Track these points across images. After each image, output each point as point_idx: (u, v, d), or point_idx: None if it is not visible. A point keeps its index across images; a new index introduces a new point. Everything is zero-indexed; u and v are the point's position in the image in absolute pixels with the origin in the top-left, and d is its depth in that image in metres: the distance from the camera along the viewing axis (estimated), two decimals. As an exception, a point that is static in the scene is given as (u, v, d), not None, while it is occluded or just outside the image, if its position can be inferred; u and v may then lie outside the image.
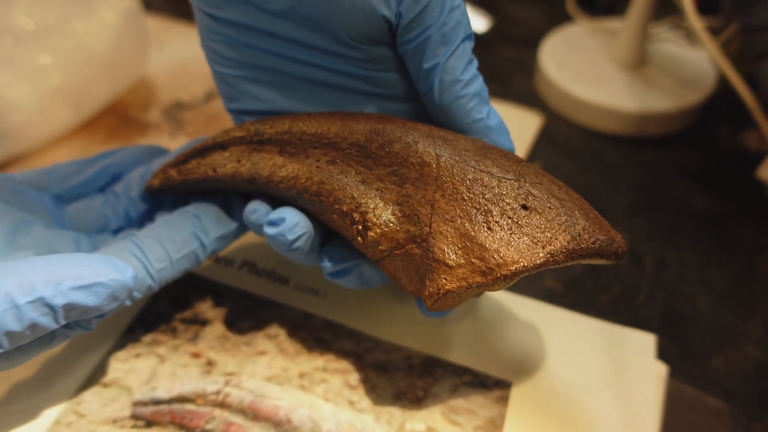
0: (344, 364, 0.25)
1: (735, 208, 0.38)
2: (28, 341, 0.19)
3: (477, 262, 0.19)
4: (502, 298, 0.29)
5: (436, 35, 0.21)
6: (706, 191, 0.39)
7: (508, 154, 0.21)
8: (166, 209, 0.25)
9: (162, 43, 0.54)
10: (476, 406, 0.24)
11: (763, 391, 0.29)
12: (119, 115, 0.45)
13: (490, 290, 0.20)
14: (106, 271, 0.19)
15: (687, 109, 0.42)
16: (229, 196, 0.25)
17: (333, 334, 0.27)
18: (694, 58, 0.46)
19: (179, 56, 0.52)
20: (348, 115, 0.23)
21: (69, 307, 0.19)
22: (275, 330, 0.27)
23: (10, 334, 0.18)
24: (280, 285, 0.29)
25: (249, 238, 0.31)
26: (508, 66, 0.51)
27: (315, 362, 0.25)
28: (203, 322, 0.27)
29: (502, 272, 0.19)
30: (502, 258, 0.19)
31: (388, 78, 0.23)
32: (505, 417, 0.24)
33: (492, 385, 0.25)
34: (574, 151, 0.42)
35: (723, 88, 0.43)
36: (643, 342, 0.27)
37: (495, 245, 0.19)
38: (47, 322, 0.18)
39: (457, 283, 0.19)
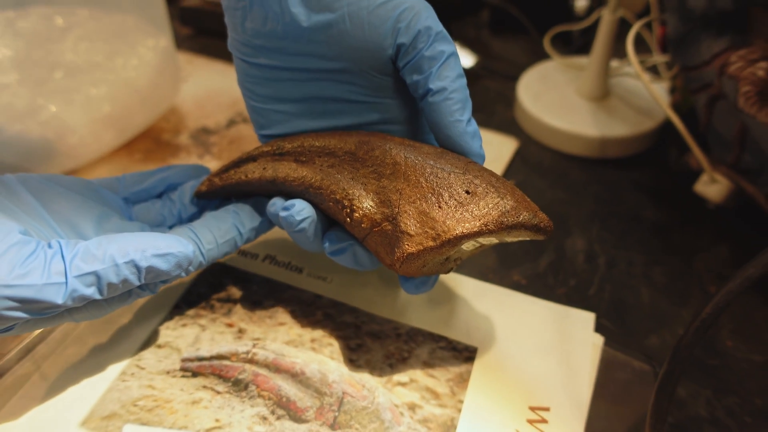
0: (346, 333, 0.33)
1: (679, 217, 0.46)
2: (116, 294, 0.27)
3: (429, 230, 0.26)
4: (474, 284, 0.37)
5: (428, 53, 0.27)
6: (655, 204, 0.47)
7: (460, 157, 0.28)
8: (210, 210, 0.33)
9: (186, 76, 0.62)
10: (448, 364, 0.32)
11: (689, 363, 0.36)
12: (153, 138, 0.53)
13: (445, 258, 0.27)
14: (175, 245, 0.27)
15: (642, 134, 0.50)
16: (259, 198, 0.33)
17: (337, 310, 0.34)
18: (647, 90, 0.54)
19: (203, 87, 0.61)
20: (345, 132, 0.31)
21: (149, 270, 0.26)
22: (292, 307, 0.34)
23: (109, 285, 0.25)
24: (295, 273, 0.37)
25: (270, 236, 0.39)
26: (492, 97, 0.59)
27: (323, 331, 0.33)
28: (235, 301, 0.35)
29: (447, 236, 0.26)
30: (447, 227, 0.26)
31: (387, 104, 0.30)
32: (471, 372, 0.31)
33: (462, 349, 0.33)
34: (545, 170, 0.50)
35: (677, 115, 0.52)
36: (585, 318, 0.34)
37: (442, 218, 0.26)
38: (134, 279, 0.26)
39: (416, 247, 0.26)
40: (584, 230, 0.44)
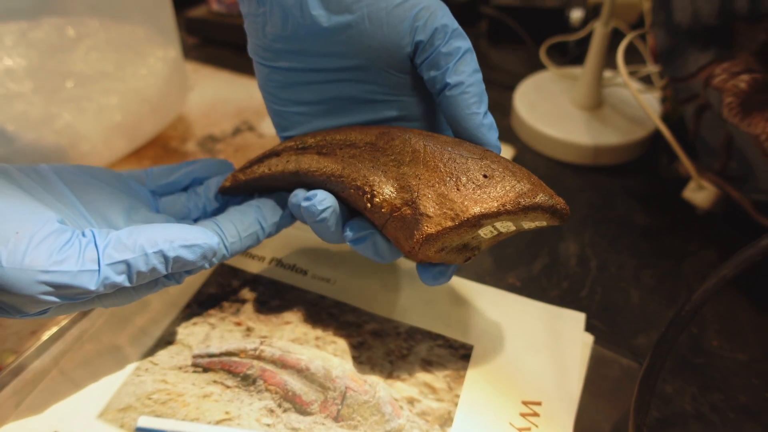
0: (348, 331, 0.35)
1: (669, 222, 0.48)
2: (144, 282, 0.28)
3: (448, 211, 0.27)
4: (471, 287, 0.38)
5: (445, 50, 0.28)
6: (646, 209, 0.49)
7: (476, 146, 0.29)
8: (234, 205, 0.34)
9: (193, 85, 0.65)
10: (445, 361, 0.34)
11: (674, 361, 0.38)
12: (162, 146, 0.56)
13: (464, 242, 0.29)
14: (202, 236, 0.28)
15: (634, 143, 0.52)
16: (281, 194, 0.34)
17: (340, 310, 0.36)
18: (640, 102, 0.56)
19: (209, 96, 0.63)
20: (365, 126, 0.32)
21: (176, 260, 0.28)
22: (297, 306, 0.36)
23: (139, 273, 0.27)
24: (300, 275, 0.39)
25: (276, 240, 0.41)
26: (490, 106, 0.61)
27: (326, 329, 0.35)
28: (243, 301, 0.37)
29: (465, 216, 0.27)
30: (465, 207, 0.27)
31: (405, 101, 0.31)
32: (467, 369, 0.33)
33: (458, 347, 0.34)
34: (540, 177, 0.51)
35: (664, 125, 0.54)
36: (575, 318, 0.36)
37: (461, 199, 0.27)
38: (162, 268, 0.27)
39: (435, 227, 0.27)
40: (577, 235, 0.46)
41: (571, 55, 0.67)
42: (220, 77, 0.66)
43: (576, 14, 0.67)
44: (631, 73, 0.63)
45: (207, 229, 0.30)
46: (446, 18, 0.29)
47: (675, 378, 0.37)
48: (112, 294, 0.28)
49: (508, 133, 0.57)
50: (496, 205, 0.27)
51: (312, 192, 0.31)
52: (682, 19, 0.42)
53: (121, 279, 0.26)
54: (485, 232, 0.28)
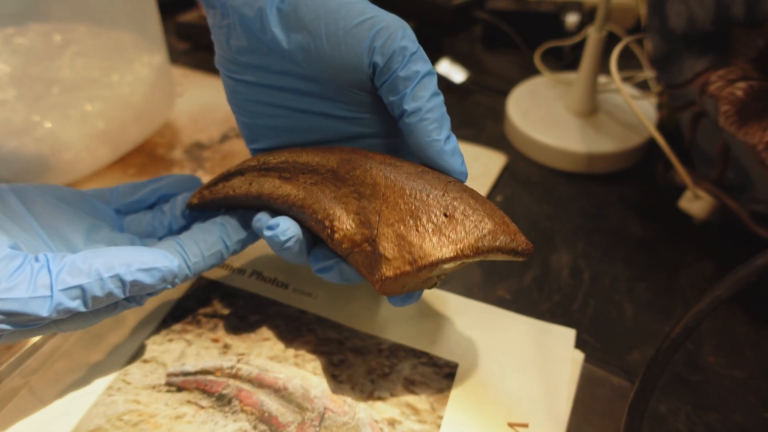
0: (329, 348, 0.34)
1: (664, 232, 0.46)
2: (102, 306, 0.27)
3: (407, 255, 0.26)
4: (457, 301, 0.37)
5: (402, 74, 0.28)
6: (641, 219, 0.47)
7: (440, 176, 0.29)
8: (200, 221, 0.34)
9: (182, 90, 0.63)
10: (429, 380, 0.32)
11: (669, 378, 0.36)
12: (147, 153, 0.54)
13: (426, 278, 0.28)
14: (161, 259, 0.27)
15: (629, 150, 0.51)
16: (248, 211, 0.33)
17: (321, 326, 0.35)
18: (638, 106, 0.55)
19: (198, 102, 0.62)
20: (328, 149, 0.31)
21: (134, 284, 0.27)
22: (276, 322, 0.35)
23: (94, 298, 0.26)
24: (281, 289, 0.37)
25: (257, 252, 0.40)
26: (483, 112, 0.60)
27: (306, 346, 0.34)
28: (221, 317, 0.35)
29: (423, 262, 0.26)
30: (423, 252, 0.26)
31: (367, 119, 0.31)
32: (451, 388, 0.32)
33: (443, 365, 0.33)
34: (533, 185, 0.51)
35: (660, 133, 0.52)
36: (565, 334, 0.35)
37: (419, 243, 0.26)
38: (119, 292, 0.27)
39: (393, 271, 0.27)
40: (570, 245, 0.45)
41: (566, 60, 0.66)
42: (209, 83, 0.65)
43: (571, 19, 0.66)
44: (628, 79, 0.61)
45: (169, 249, 0.29)
46: (406, 40, 0.28)
47: (669, 396, 0.35)
48: (68, 319, 0.27)
49: (501, 140, 0.56)
50: (453, 250, 0.26)
51: (275, 221, 0.30)
52: (676, 25, 0.41)
53: (76, 304, 0.26)
54: (447, 266, 0.27)
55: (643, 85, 0.61)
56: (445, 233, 0.26)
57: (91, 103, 0.50)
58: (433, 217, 0.27)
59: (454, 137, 0.29)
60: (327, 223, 0.29)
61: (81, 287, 0.26)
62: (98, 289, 0.26)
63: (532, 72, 0.63)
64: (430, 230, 0.26)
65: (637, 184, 0.51)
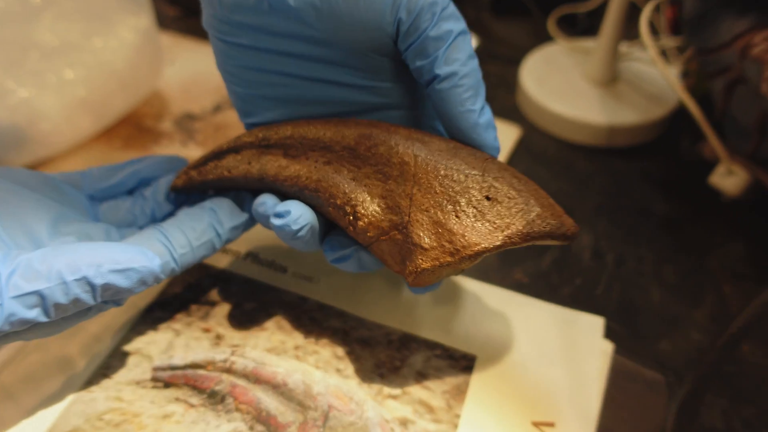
0: (333, 339, 0.30)
1: (691, 211, 0.43)
2: (70, 313, 0.24)
3: (447, 244, 0.23)
4: (473, 286, 0.34)
5: (433, 34, 0.24)
6: (666, 196, 0.44)
7: (476, 153, 0.25)
8: (187, 206, 0.30)
9: (173, 58, 0.59)
10: (445, 374, 0.29)
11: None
12: (134, 125, 0.50)
13: (461, 267, 0.25)
14: (139, 258, 0.23)
15: (652, 122, 0.47)
16: (240, 192, 0.29)
17: (324, 314, 0.31)
18: (659, 76, 0.51)
19: (189, 71, 0.57)
20: (341, 122, 0.27)
21: (106, 287, 0.23)
22: (274, 310, 0.32)
23: (57, 306, 0.22)
24: (279, 273, 0.34)
25: (253, 232, 0.36)
26: (494, 82, 0.56)
27: (308, 337, 0.30)
28: (213, 303, 0.32)
29: (467, 252, 0.23)
30: (467, 241, 0.23)
31: (386, 88, 0.27)
32: (469, 384, 0.29)
33: (459, 357, 0.30)
34: (549, 160, 0.47)
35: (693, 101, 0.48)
36: (593, 323, 0.31)
37: (461, 230, 0.23)
38: (87, 298, 0.23)
39: (431, 262, 0.24)
40: (590, 225, 0.42)
41: (581, 26, 0.61)
42: (202, 50, 0.60)
43: (588, -18, 0.61)
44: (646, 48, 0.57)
45: (151, 239, 0.25)
46: None
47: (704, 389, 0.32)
48: (30, 329, 0.23)
49: (513, 112, 0.52)
50: (501, 237, 0.23)
51: (284, 206, 0.26)
52: (717, -21, 0.36)
53: (34, 314, 0.22)
54: (487, 255, 0.24)
55: (661, 55, 0.57)
56: (489, 218, 0.24)
57: (72, 69, 0.46)
58: (473, 200, 0.24)
59: (488, 108, 0.26)
60: (348, 209, 0.25)
61: (39, 293, 0.22)
62: (61, 296, 0.22)
63: (545, 39, 0.59)
64: (471, 216, 0.24)
65: (661, 158, 0.47)
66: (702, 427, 0.31)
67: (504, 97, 0.54)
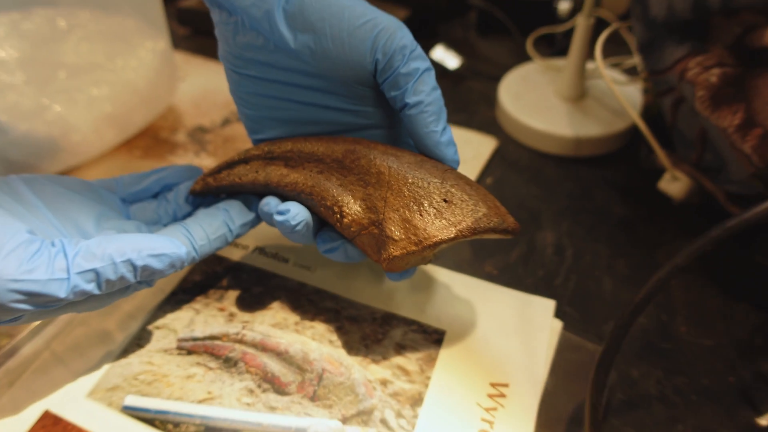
0: (327, 317, 0.37)
1: (645, 213, 0.49)
2: (116, 289, 0.30)
3: (412, 236, 0.30)
4: (446, 274, 0.40)
5: (404, 71, 0.30)
6: (624, 200, 0.50)
7: (438, 164, 0.32)
8: (203, 207, 0.36)
9: (184, 75, 0.66)
10: (419, 345, 0.35)
11: (643, 346, 0.39)
12: (152, 136, 0.57)
13: (425, 255, 0.31)
14: (169, 246, 0.30)
15: (615, 134, 0.54)
16: (248, 196, 0.36)
17: (319, 297, 0.38)
18: (625, 92, 0.58)
19: (200, 87, 0.64)
20: (332, 139, 0.34)
21: (144, 268, 0.29)
22: (278, 293, 0.38)
23: (107, 282, 0.28)
24: (282, 263, 0.40)
25: (260, 230, 0.43)
26: (476, 97, 0.63)
27: (306, 315, 0.37)
28: (226, 288, 0.38)
29: (427, 243, 0.30)
30: (427, 234, 0.30)
31: (369, 111, 0.33)
32: (439, 353, 0.35)
33: (431, 332, 0.36)
34: (522, 168, 0.54)
35: (645, 116, 0.55)
36: (545, 305, 0.38)
37: (424, 226, 0.30)
38: (130, 276, 0.29)
39: (400, 251, 0.30)
40: (555, 225, 0.48)
41: (558, 46, 0.68)
42: (210, 68, 0.67)
43: (564, 5, 0.68)
44: (617, 65, 0.64)
45: (176, 234, 0.32)
46: (405, 39, 0.30)
47: (641, 362, 0.39)
48: (84, 301, 0.29)
49: (492, 124, 0.59)
50: (454, 231, 0.30)
51: (285, 206, 0.33)
52: (657, 13, 0.43)
53: (91, 287, 0.28)
54: (446, 245, 0.31)
55: (632, 71, 0.64)
56: (445, 216, 0.30)
57: (97, 88, 0.52)
58: (434, 202, 0.30)
59: (449, 129, 0.32)
60: (336, 209, 0.32)
61: (95, 271, 0.28)
62: (111, 273, 0.28)
63: (525, 58, 0.65)
64: (432, 214, 0.30)
65: (621, 167, 0.54)
66: (638, 393, 0.37)
67: (484, 111, 0.60)
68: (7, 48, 0.52)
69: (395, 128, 0.35)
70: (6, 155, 0.47)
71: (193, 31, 0.75)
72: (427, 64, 0.31)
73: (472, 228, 0.30)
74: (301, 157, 0.34)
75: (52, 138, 0.50)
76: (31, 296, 0.26)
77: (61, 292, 0.27)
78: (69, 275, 0.27)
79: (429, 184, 0.31)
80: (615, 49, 0.67)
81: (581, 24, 0.53)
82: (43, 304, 0.27)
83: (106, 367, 0.34)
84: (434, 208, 0.30)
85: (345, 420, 0.32)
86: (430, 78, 0.31)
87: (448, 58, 0.65)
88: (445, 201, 0.30)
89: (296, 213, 0.32)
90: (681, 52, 0.43)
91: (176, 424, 0.31)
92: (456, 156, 0.32)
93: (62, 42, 0.54)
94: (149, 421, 0.31)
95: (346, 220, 0.32)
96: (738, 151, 0.39)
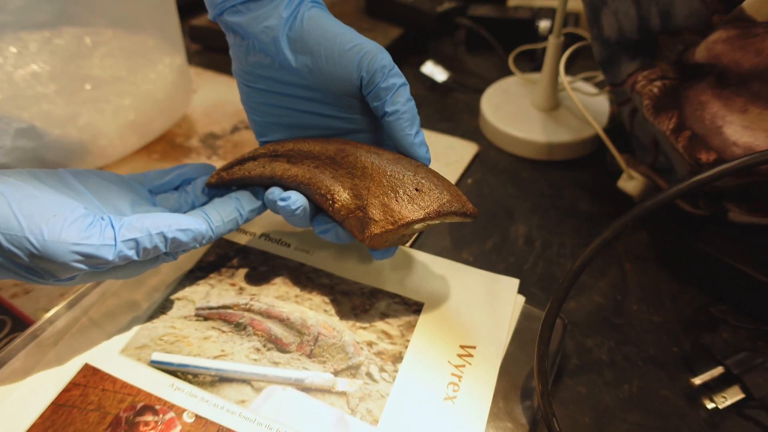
0: (322, 291, 0.44)
1: (609, 209, 0.56)
2: (148, 258, 0.38)
3: (389, 218, 0.37)
4: (426, 257, 0.47)
5: (384, 86, 0.37)
6: (591, 198, 0.58)
7: (412, 161, 0.39)
8: (217, 197, 0.44)
9: (196, 87, 0.74)
10: (400, 314, 0.43)
11: (599, 322, 0.46)
12: (168, 142, 0.65)
13: (401, 233, 0.38)
14: (193, 223, 0.38)
15: (584, 140, 0.61)
16: (255, 187, 0.44)
17: (316, 275, 0.45)
18: (596, 102, 0.65)
19: (210, 98, 0.72)
20: (326, 140, 0.42)
21: (173, 240, 0.37)
22: (281, 272, 0.46)
23: (144, 250, 0.36)
24: (284, 247, 0.48)
25: (266, 219, 0.50)
26: (461, 108, 0.71)
27: (304, 289, 0.44)
28: (237, 267, 0.46)
29: (401, 222, 0.37)
30: (401, 215, 0.37)
31: (356, 118, 0.40)
32: (418, 320, 0.42)
33: (412, 304, 0.44)
34: (500, 170, 0.61)
35: (612, 124, 0.62)
36: (510, 283, 0.45)
37: (399, 209, 0.37)
38: (162, 246, 0.37)
39: (380, 229, 0.37)
40: (527, 219, 0.55)
41: (538, 62, 0.76)
42: (220, 81, 0.76)
43: (543, 24, 0.76)
44: (589, 78, 0.72)
45: (196, 216, 0.39)
46: (385, 60, 0.38)
47: (596, 334, 0.46)
48: (122, 266, 0.37)
49: (475, 132, 0.66)
50: (422, 213, 0.37)
51: (287, 194, 0.40)
52: (610, 34, 0.51)
53: (132, 253, 0.35)
54: (417, 226, 0.38)
55: (603, 84, 0.71)
56: (416, 202, 0.37)
57: (121, 98, 0.60)
58: (408, 191, 0.38)
59: (422, 132, 0.40)
60: (329, 196, 0.39)
61: (136, 240, 0.35)
62: (148, 242, 0.35)
63: (507, 72, 0.73)
64: (405, 200, 0.37)
65: (590, 169, 0.61)
66: (591, 359, 0.44)
67: (468, 120, 0.68)
68: (39, 62, 0.60)
69: (378, 132, 0.42)
70: (42, 156, 0.55)
71: (203, 47, 0.84)
72: (403, 80, 0.39)
73: (437, 211, 0.37)
74: (300, 155, 0.41)
75: (83, 142, 0.57)
76: (87, 257, 0.34)
77: (109, 255, 0.34)
78: (116, 242, 0.34)
79: (404, 176, 0.38)
80: (588, 64, 0.75)
81: (551, 42, 0.60)
82: (95, 266, 0.34)
83: (135, 330, 0.41)
84: (408, 195, 0.37)
85: (336, 373, 0.39)
86: (405, 91, 0.38)
87: (436, 72, 0.73)
88: (416, 190, 0.38)
89: (296, 200, 0.40)
90: (632, 67, 0.51)
91: (195, 375, 0.38)
92: (427, 154, 0.40)
93: (89, 57, 0.62)
94: (172, 373, 0.38)
95: (336, 205, 0.39)
96: (676, 151, 0.46)
